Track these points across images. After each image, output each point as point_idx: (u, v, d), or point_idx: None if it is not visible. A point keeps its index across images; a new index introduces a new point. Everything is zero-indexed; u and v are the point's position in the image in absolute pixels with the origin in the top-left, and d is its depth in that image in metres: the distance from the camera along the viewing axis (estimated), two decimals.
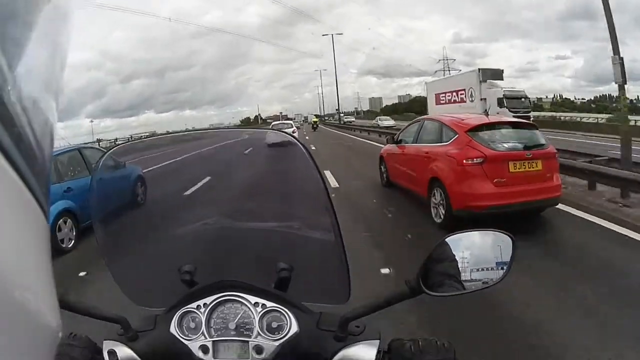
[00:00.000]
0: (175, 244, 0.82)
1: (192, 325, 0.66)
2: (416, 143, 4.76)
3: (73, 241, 4.06)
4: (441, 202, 3.83)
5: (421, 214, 4.20)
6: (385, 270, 2.80)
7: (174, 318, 0.66)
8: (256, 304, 0.65)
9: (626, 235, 3.42)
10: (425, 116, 6.20)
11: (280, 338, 0.63)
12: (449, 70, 70.96)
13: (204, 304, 0.66)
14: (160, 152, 0.87)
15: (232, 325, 0.65)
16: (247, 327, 0.64)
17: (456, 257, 0.61)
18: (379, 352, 0.61)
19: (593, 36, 78.03)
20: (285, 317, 0.64)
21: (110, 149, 0.78)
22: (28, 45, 0.21)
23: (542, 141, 3.97)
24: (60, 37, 0.24)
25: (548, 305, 2.32)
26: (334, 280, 0.70)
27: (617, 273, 2.71)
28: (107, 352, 0.64)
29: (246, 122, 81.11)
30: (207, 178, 0.87)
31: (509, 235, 0.63)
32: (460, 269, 0.61)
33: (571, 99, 63.74)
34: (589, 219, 3.96)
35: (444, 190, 3.77)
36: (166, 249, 0.83)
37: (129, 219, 0.85)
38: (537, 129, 4.17)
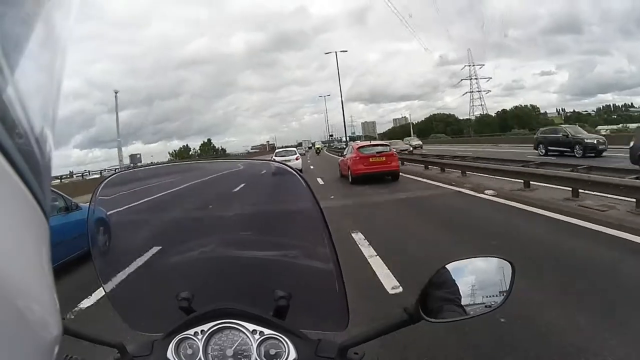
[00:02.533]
0: (172, 271, 0.83)
1: (190, 351, 0.67)
2: (346, 155, 11.78)
3: None
4: (350, 174, 10.77)
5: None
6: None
7: (171, 344, 0.67)
8: (254, 332, 0.65)
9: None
10: (351, 142, 13.44)
11: None
12: (477, 79, 59.74)
13: (202, 331, 0.66)
14: (159, 182, 0.87)
15: (229, 353, 0.65)
16: (245, 354, 0.65)
17: (456, 283, 0.61)
18: None
19: (576, 49, 76.90)
20: (283, 344, 0.64)
21: (111, 176, 0.78)
22: (29, 48, 0.21)
23: (387, 150, 10.87)
24: (60, 42, 0.25)
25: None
26: (332, 308, 0.71)
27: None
28: None
29: (182, 155, 64.18)
30: (208, 207, 0.89)
31: (508, 261, 0.64)
32: (460, 294, 0.61)
33: (581, 112, 59.63)
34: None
35: (350, 169, 10.72)
36: (163, 276, 0.84)
37: (126, 246, 0.86)
38: (389, 145, 11.12)
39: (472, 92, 64.14)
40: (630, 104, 58.31)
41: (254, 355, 0.64)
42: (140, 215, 0.87)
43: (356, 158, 10.60)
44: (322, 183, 11.46)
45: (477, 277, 0.62)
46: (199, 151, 66.95)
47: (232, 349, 0.65)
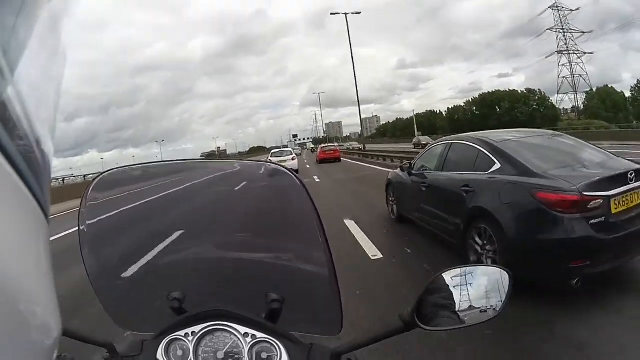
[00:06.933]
0: (164, 271, 0.82)
1: (180, 353, 0.66)
2: (317, 151, 25.25)
3: None
4: (317, 160, 24.01)
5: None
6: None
7: (162, 345, 0.66)
8: (246, 335, 0.64)
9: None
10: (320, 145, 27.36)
11: None
12: (569, 32, 32.25)
13: (193, 332, 0.66)
14: (152, 181, 0.86)
15: (220, 355, 0.65)
16: (236, 357, 0.64)
17: (452, 292, 0.61)
18: None
19: (534, 52, 74.74)
20: (275, 348, 0.64)
21: (103, 173, 0.77)
22: (29, 49, 0.21)
23: (336, 147, 24.33)
24: (59, 39, 0.25)
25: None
26: (326, 312, 0.70)
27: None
28: None
29: None
30: (202, 207, 0.86)
31: (505, 271, 0.64)
32: (456, 303, 0.61)
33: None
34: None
35: (317, 157, 24.22)
36: (155, 276, 0.82)
37: (118, 245, 0.85)
38: (338, 145, 24.33)
39: (563, 52, 35.01)
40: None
41: (245, 358, 0.63)
42: (132, 214, 0.85)
43: (320, 151, 23.76)
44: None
45: (474, 285, 0.62)
46: None
47: (223, 351, 0.65)
